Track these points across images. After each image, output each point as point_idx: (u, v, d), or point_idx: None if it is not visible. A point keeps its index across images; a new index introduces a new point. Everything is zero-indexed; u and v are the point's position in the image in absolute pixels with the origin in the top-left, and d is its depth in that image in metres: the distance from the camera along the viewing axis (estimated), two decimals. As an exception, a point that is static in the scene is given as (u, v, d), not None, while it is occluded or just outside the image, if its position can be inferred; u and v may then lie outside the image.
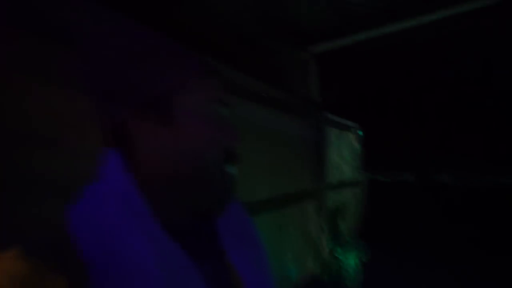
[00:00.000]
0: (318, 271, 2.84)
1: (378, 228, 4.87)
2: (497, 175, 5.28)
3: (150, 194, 0.41)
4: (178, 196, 0.43)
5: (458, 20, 2.23)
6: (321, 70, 3.02)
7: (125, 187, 0.40)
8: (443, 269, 3.53)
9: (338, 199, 3.80)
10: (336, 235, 3.52)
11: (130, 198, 0.39)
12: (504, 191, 5.10)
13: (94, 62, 0.44)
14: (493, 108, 5.48)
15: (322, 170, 2.97)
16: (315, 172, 2.95)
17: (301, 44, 2.76)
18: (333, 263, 3.03)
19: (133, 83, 0.41)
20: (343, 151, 4.18)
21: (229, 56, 3.00)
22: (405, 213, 5.22)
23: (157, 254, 0.36)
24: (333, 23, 2.43)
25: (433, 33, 2.49)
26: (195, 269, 0.40)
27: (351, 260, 3.10)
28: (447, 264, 3.63)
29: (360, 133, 4.81)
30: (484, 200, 5.15)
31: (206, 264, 0.44)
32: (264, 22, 2.23)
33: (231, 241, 0.50)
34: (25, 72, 0.93)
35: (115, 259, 0.35)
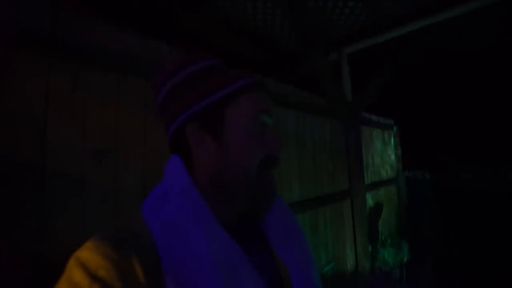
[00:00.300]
0: (355, 270, 2.83)
1: (418, 228, 4.68)
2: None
3: (205, 193, 0.49)
4: (228, 197, 0.51)
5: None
6: (354, 69, 2.99)
7: (185, 187, 0.46)
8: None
9: (376, 198, 3.74)
10: (375, 234, 3.46)
11: (190, 197, 0.46)
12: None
13: (158, 85, 0.52)
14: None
15: (358, 170, 2.94)
16: (351, 172, 2.94)
17: (332, 45, 2.77)
18: (371, 262, 3.00)
19: (191, 99, 0.49)
20: (379, 149, 4.09)
21: (262, 64, 3.09)
22: (445, 213, 4.95)
23: (213, 244, 0.42)
24: (366, 23, 2.42)
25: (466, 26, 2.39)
26: (246, 260, 0.46)
27: (390, 260, 3.05)
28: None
29: (395, 129, 4.66)
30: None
31: (255, 256, 0.50)
32: (296, 30, 2.28)
33: (277, 236, 0.56)
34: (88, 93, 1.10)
35: (177, 247, 0.41)
